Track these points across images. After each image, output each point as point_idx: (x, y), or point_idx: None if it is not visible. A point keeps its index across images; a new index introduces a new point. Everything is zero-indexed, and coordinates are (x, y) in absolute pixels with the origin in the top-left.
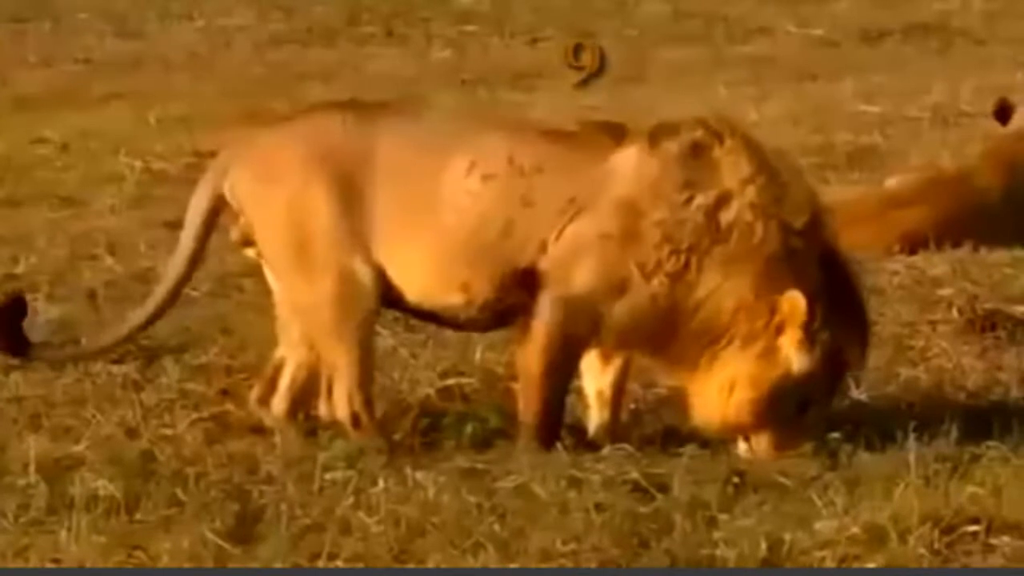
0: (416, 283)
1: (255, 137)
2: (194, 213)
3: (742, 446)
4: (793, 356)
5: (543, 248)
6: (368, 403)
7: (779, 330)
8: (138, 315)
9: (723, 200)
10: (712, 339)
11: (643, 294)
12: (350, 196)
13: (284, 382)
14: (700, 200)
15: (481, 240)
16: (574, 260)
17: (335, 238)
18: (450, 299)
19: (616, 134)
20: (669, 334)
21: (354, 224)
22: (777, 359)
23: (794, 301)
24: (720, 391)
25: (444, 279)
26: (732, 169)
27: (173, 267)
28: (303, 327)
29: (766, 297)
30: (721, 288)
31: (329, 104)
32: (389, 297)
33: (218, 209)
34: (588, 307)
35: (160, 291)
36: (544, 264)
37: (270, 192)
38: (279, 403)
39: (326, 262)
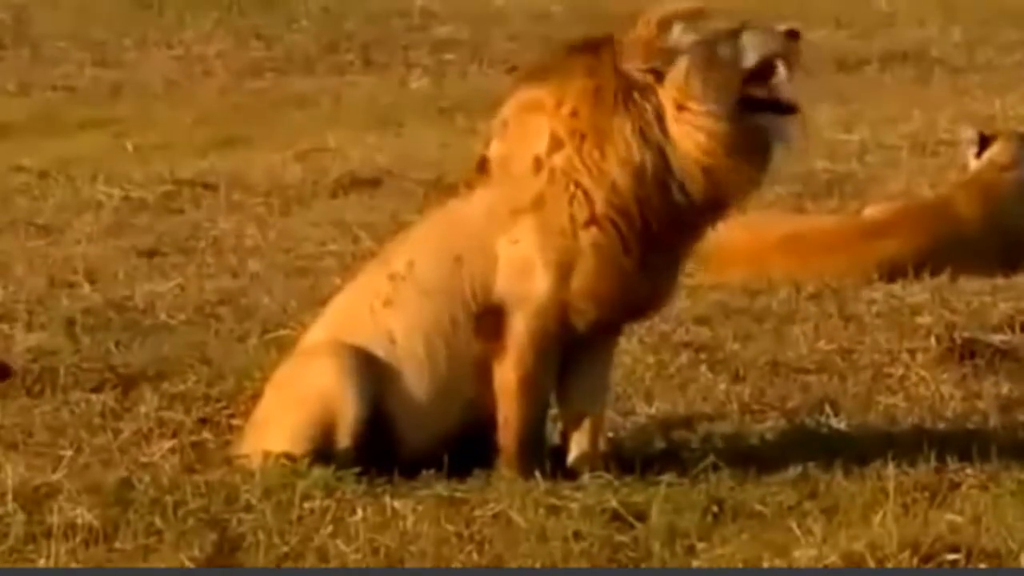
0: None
1: None
2: None
3: None
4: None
5: (490, 291)
6: None
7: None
8: None
9: (552, 141)
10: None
11: (587, 251)
12: None
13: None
14: (536, 153)
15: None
16: (517, 275)
17: None
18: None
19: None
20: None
21: None
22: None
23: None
24: None
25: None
26: (534, 126)
27: None
28: None
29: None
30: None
31: None
32: None
33: None
34: (551, 300)
35: None
36: (499, 295)
37: None
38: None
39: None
